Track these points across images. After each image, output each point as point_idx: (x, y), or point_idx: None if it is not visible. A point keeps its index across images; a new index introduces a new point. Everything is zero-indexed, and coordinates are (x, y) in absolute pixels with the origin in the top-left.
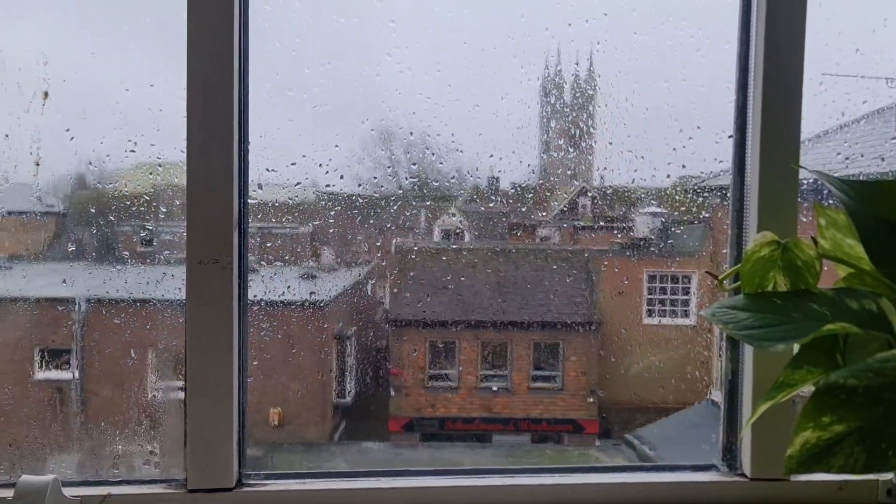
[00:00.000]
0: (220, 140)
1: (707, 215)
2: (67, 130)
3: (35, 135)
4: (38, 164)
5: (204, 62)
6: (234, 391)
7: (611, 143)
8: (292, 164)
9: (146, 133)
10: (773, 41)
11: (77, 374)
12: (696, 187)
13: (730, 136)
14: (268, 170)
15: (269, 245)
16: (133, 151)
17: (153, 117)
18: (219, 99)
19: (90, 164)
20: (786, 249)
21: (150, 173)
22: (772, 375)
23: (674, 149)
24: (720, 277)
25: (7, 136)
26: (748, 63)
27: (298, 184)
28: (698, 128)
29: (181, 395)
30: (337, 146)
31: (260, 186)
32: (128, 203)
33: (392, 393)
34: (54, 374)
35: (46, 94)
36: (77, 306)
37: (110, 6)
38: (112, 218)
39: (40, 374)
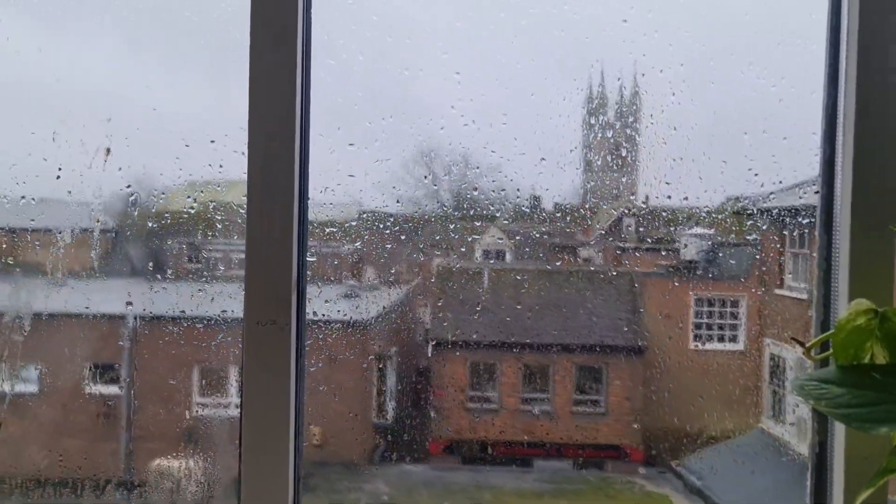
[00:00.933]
0: (281, 203)
1: (755, 238)
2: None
3: (97, 191)
4: (98, 222)
5: (266, 124)
6: (290, 457)
7: (667, 160)
8: (337, 184)
9: (199, 153)
10: (864, 92)
11: (126, 389)
12: (744, 209)
13: (816, 192)
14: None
15: (311, 263)
16: (181, 169)
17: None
18: (279, 160)
19: (139, 183)
20: (884, 319)
21: (202, 192)
22: (866, 451)
23: (721, 172)
24: (808, 345)
25: (70, 192)
26: (835, 114)
27: (340, 203)
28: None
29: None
30: (377, 162)
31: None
32: (177, 220)
33: (432, 414)
34: (105, 389)
35: (109, 151)
36: (127, 322)
37: (169, 44)
38: (162, 235)
39: (92, 389)
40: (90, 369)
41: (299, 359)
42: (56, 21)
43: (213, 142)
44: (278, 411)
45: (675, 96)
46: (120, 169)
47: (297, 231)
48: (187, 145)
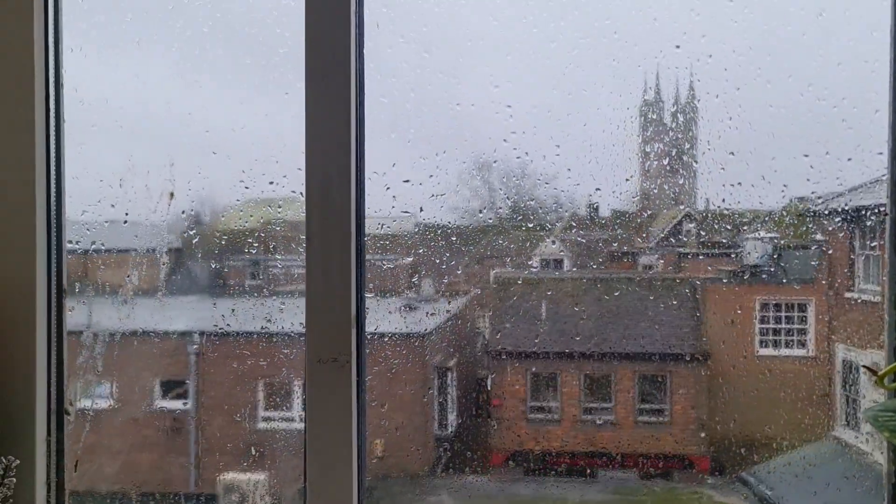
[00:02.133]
0: (339, 242)
1: (822, 239)
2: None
3: (161, 235)
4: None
5: (320, 179)
6: (353, 493)
7: (725, 187)
8: (393, 197)
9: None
10: None
11: (192, 404)
12: (809, 210)
13: (885, 215)
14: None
15: (369, 277)
16: (247, 188)
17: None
18: (335, 209)
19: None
20: None
21: (266, 208)
22: None
23: (782, 195)
24: (880, 374)
25: (136, 236)
26: None
27: (398, 216)
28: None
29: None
30: (432, 176)
31: (394, 198)
32: (240, 237)
33: (493, 425)
34: (171, 404)
35: (172, 195)
36: (192, 338)
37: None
38: (224, 251)
39: (160, 403)
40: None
41: (360, 394)
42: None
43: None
44: (341, 446)
45: (732, 121)
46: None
47: (354, 269)
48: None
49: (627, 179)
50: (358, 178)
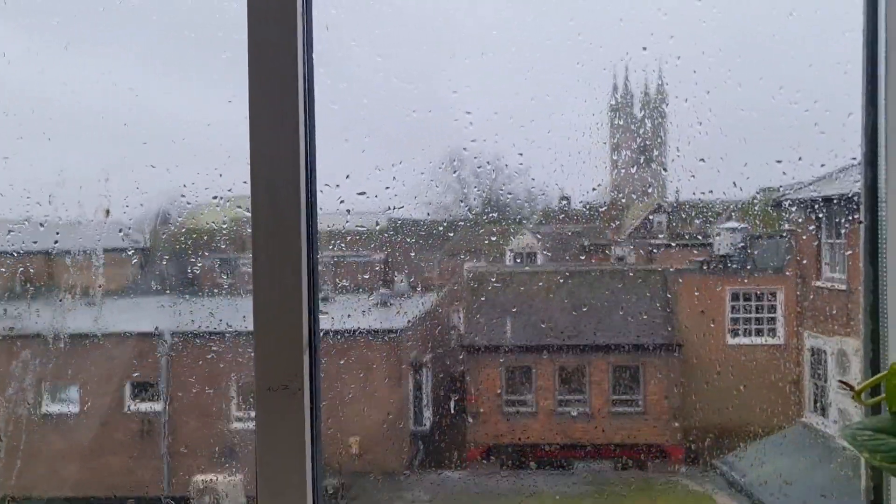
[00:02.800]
0: (290, 260)
1: (791, 228)
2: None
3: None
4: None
5: (266, 193)
6: None
7: (695, 194)
8: (362, 192)
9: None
10: None
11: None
12: (778, 200)
13: (860, 222)
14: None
15: (342, 274)
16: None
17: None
18: (284, 223)
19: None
20: None
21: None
22: None
23: (747, 177)
24: (857, 389)
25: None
26: (876, 137)
27: (368, 211)
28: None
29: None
30: (398, 172)
31: (349, 212)
32: (208, 236)
33: (469, 420)
34: (142, 406)
35: (108, 212)
36: (160, 338)
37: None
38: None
39: (130, 406)
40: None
41: (315, 422)
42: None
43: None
44: (294, 475)
45: (703, 125)
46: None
47: (306, 290)
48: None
49: (594, 189)
50: (309, 190)
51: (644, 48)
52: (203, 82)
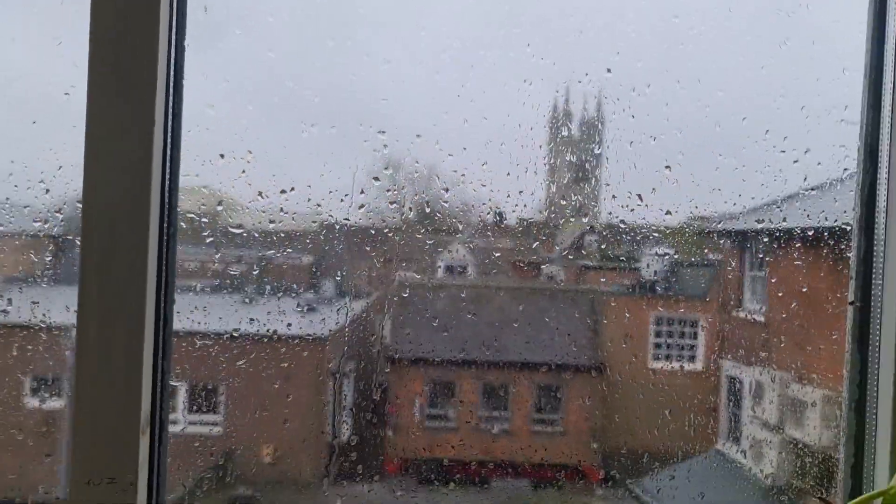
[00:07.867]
0: (132, 310)
1: (716, 258)
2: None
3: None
4: None
5: (102, 213)
6: None
7: (622, 181)
8: (291, 189)
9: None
10: None
11: None
12: (706, 230)
13: (850, 303)
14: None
15: (266, 275)
16: None
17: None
18: (123, 254)
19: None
20: None
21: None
22: None
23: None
24: None
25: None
26: (874, 200)
27: (296, 213)
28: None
29: None
30: (331, 174)
31: (261, 194)
32: None
33: (389, 433)
34: None
35: None
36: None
37: None
38: None
39: None
40: None
41: None
42: None
43: None
44: None
45: (672, 171)
46: None
47: (153, 338)
48: None
49: (528, 205)
50: (164, 216)
51: (609, 70)
52: None
